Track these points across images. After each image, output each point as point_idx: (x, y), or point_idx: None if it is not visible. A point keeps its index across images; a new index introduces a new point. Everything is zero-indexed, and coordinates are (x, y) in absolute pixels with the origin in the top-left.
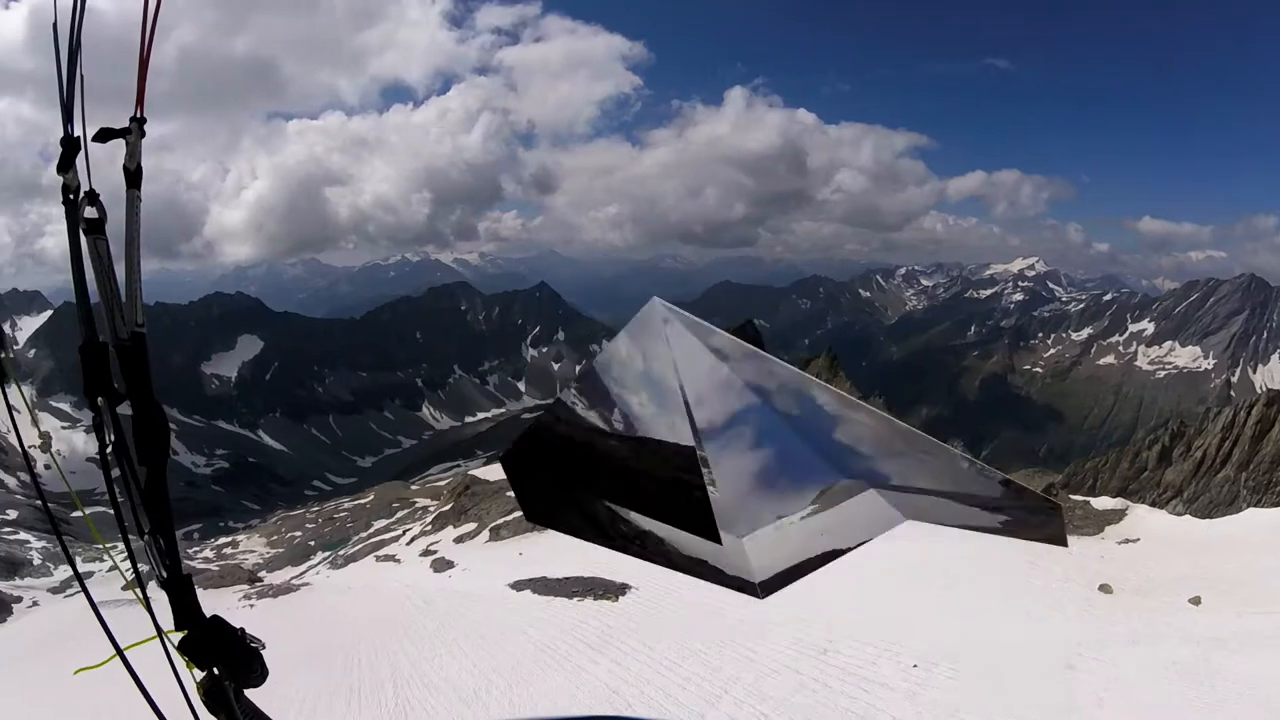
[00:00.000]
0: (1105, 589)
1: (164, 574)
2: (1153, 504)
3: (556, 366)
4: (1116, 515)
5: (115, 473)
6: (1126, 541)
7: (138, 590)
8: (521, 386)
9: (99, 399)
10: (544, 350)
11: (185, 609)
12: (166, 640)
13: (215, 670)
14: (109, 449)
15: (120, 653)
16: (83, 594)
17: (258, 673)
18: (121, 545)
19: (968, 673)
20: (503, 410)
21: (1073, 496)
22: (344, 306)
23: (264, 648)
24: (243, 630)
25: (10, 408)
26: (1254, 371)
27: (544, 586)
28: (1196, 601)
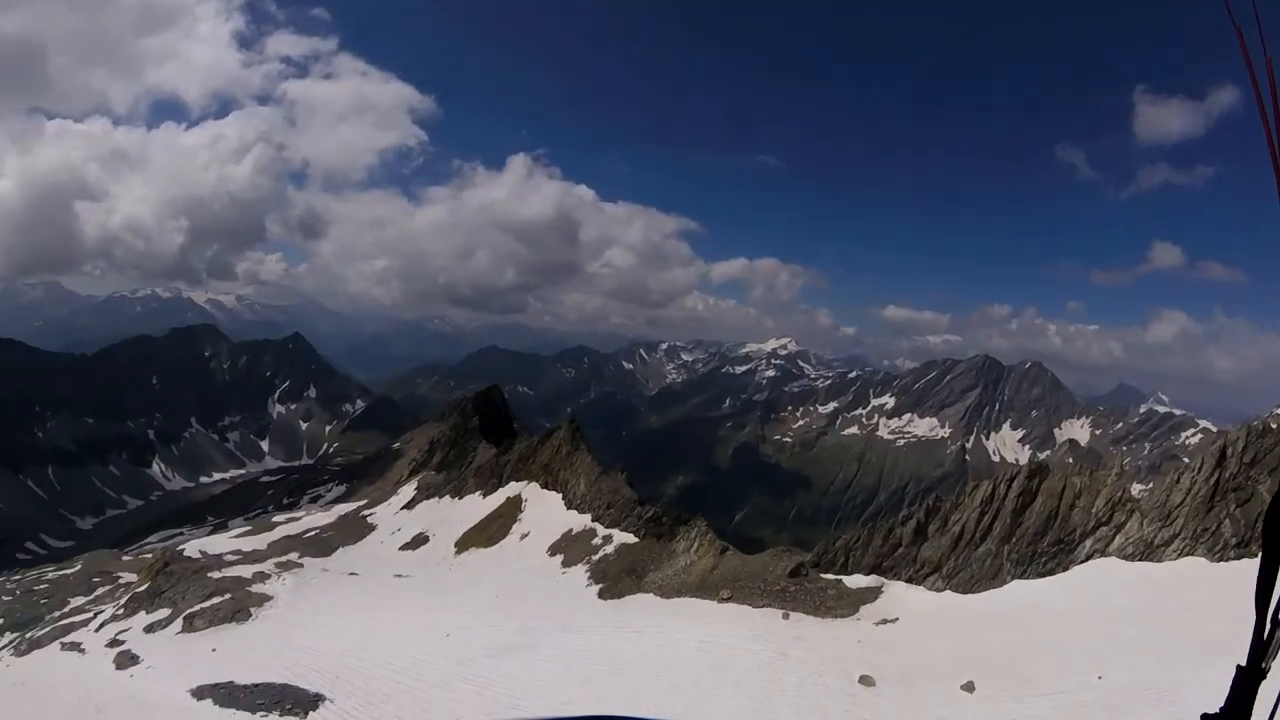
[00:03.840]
0: (866, 681)
1: None
2: (909, 580)
3: (305, 425)
4: (871, 594)
5: None
6: (885, 622)
7: None
8: (265, 445)
9: None
10: (292, 407)
11: None
12: None
13: None
14: None
15: None
16: None
17: None
18: None
19: None
20: (242, 471)
21: (824, 575)
22: (81, 340)
23: None
24: None
25: None
26: (986, 439)
27: (228, 696)
28: (970, 688)
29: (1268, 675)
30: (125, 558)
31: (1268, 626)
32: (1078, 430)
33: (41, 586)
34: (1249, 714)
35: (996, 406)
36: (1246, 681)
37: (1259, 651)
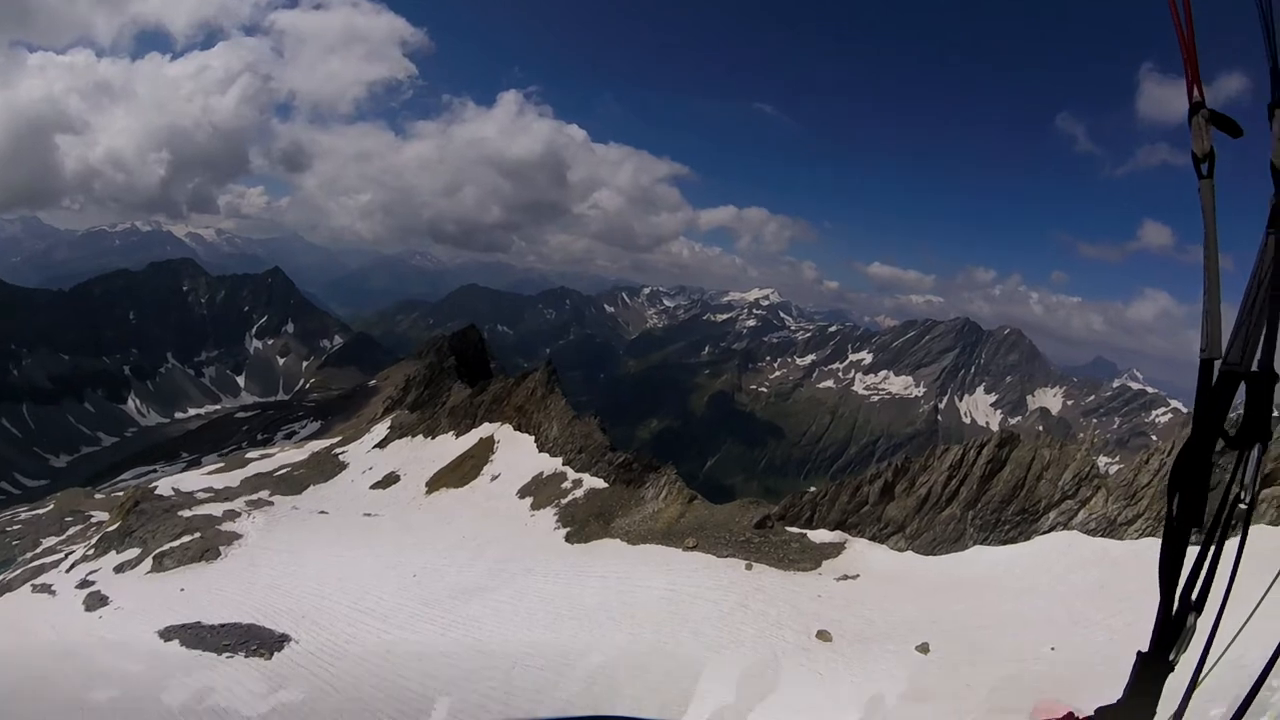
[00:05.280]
0: (824, 636)
1: None
2: (873, 538)
3: (281, 361)
4: (834, 549)
5: None
6: (846, 578)
7: None
8: (241, 381)
9: None
10: (269, 342)
11: None
12: None
13: None
14: None
15: None
16: None
17: None
18: None
19: None
20: (217, 406)
21: (789, 529)
22: (59, 276)
23: None
24: None
25: None
26: (959, 400)
27: (195, 636)
28: (925, 649)
29: (1175, 669)
30: (98, 496)
31: (1175, 608)
32: (1050, 399)
33: (15, 527)
34: (1153, 708)
35: (972, 370)
36: (1149, 672)
37: (1165, 638)
